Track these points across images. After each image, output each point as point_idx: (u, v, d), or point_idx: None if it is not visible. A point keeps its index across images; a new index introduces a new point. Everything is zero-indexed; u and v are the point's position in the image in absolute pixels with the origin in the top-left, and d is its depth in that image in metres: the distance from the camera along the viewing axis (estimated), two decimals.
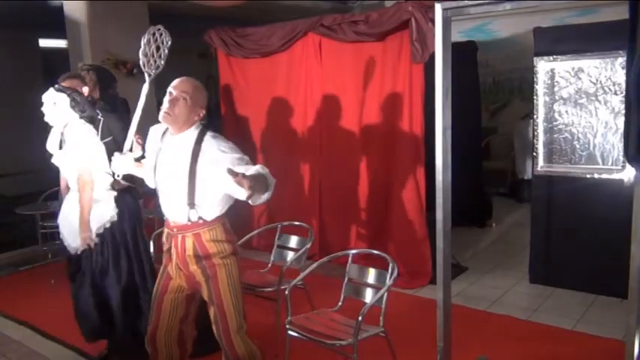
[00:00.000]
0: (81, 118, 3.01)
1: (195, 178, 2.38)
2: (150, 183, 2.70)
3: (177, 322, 2.60)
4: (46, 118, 3.00)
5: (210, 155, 2.35)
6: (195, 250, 2.45)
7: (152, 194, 2.81)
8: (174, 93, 2.39)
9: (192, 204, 2.41)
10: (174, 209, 2.47)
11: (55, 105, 2.95)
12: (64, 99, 2.95)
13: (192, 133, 2.44)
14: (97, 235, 3.05)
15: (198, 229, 2.44)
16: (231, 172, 1.99)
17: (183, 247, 2.47)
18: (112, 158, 2.74)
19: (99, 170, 3.02)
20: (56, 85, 3.02)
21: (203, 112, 2.46)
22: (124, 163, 2.73)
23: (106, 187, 3.08)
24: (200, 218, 2.43)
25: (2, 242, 5.71)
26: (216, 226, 2.47)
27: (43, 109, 2.97)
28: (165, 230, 2.57)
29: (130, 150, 2.77)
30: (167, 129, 2.52)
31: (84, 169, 2.97)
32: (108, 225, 3.07)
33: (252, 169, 2.18)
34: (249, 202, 2.23)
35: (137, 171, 2.75)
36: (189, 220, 2.43)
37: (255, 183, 2.07)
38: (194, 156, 2.38)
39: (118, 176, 2.74)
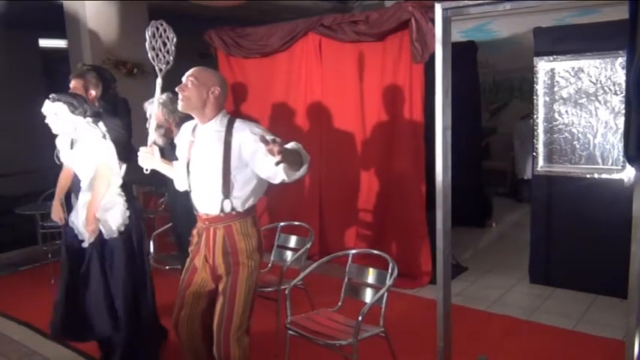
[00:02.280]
0: (86, 118, 3.00)
1: (229, 166, 2.42)
2: (180, 184, 2.69)
3: (199, 312, 2.62)
4: (54, 130, 3.01)
5: (244, 138, 2.40)
6: (225, 242, 2.49)
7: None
8: (182, 82, 2.47)
9: (227, 193, 2.44)
10: (207, 201, 2.50)
11: (57, 115, 2.96)
12: (61, 107, 2.95)
13: (222, 120, 2.49)
14: (108, 239, 3.05)
15: (230, 220, 2.48)
16: (262, 139, 2.05)
17: (213, 239, 2.51)
18: (138, 153, 2.65)
19: (113, 170, 3.03)
20: (50, 96, 3.00)
21: (217, 89, 2.46)
22: (152, 158, 2.62)
23: (116, 191, 3.08)
24: (233, 209, 2.47)
25: (2, 242, 5.69)
26: (247, 218, 2.52)
27: (47, 121, 2.98)
28: (198, 224, 2.61)
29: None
30: (197, 123, 2.56)
31: (102, 165, 3.00)
32: (122, 228, 3.06)
33: (286, 145, 2.21)
34: (285, 178, 2.30)
35: (164, 169, 2.70)
36: (222, 210, 2.47)
37: (289, 155, 2.13)
38: (226, 143, 2.42)
39: (147, 170, 2.65)
